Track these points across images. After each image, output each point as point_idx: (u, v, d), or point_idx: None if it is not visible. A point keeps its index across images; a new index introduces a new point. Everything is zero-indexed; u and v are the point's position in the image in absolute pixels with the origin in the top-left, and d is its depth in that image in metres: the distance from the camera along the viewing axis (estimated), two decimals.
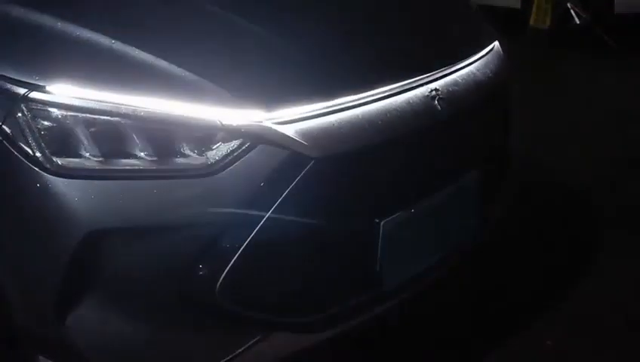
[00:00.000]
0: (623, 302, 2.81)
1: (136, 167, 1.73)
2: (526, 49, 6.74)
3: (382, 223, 1.97)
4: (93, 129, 1.72)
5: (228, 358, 1.86)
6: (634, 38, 6.75)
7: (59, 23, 1.83)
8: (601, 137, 4.52)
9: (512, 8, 7.34)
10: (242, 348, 1.87)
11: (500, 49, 2.49)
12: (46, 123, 1.72)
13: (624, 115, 4.87)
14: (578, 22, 7.05)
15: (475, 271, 2.77)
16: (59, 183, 1.70)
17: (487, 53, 2.37)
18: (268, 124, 1.76)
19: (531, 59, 6.52)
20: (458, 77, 2.18)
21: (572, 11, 7.08)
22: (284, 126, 1.77)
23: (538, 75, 6.04)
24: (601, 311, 2.75)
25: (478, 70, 2.26)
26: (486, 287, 2.89)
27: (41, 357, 1.87)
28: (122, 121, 1.73)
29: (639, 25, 6.82)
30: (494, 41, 2.47)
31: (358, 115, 1.89)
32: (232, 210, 1.75)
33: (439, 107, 2.05)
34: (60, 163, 1.71)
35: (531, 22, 7.14)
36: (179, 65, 1.77)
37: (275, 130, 1.76)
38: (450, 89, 2.11)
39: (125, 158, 1.74)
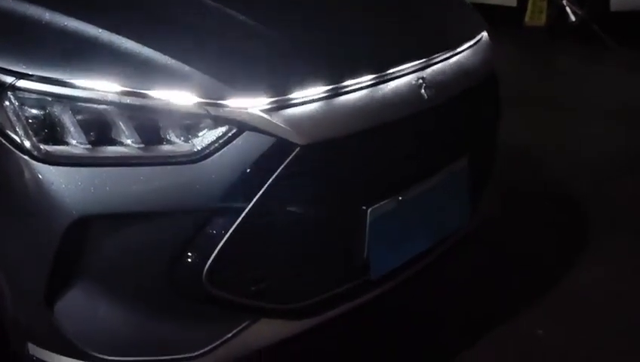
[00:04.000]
0: (613, 291, 2.83)
1: (123, 154, 1.75)
2: (522, 46, 6.77)
3: (369, 210, 1.99)
4: (80, 117, 1.74)
5: (216, 344, 1.87)
6: (630, 35, 6.77)
7: (46, 13, 1.85)
8: (597, 133, 4.53)
9: (508, 6, 7.36)
10: (230, 334, 1.88)
11: (488, 39, 2.50)
12: (33, 111, 1.74)
13: (621, 111, 4.88)
14: (574, 19, 7.07)
15: (463, 260, 2.78)
16: (46, 170, 1.72)
17: (475, 43, 2.38)
18: (254, 110, 1.77)
19: (527, 57, 6.55)
20: (445, 66, 2.19)
21: (568, 9, 7.09)
22: (270, 113, 1.79)
23: (534, 72, 6.07)
24: (592, 300, 2.77)
25: (465, 59, 2.28)
26: (475, 276, 2.90)
27: (30, 345, 1.87)
28: (109, 109, 1.74)
29: (635, 22, 6.83)
30: (483, 30, 2.48)
31: (344, 102, 1.90)
32: (219, 197, 1.76)
33: (426, 95, 2.06)
34: (47, 150, 1.72)
35: (526, 19, 7.16)
36: (165, 53, 1.79)
37: (261, 117, 1.77)
38: (437, 77, 2.12)
39: (112, 146, 1.75)
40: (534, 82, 5.70)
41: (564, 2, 7.08)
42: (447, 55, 2.22)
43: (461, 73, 2.23)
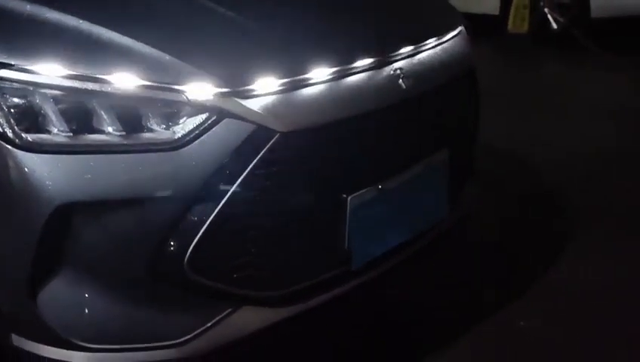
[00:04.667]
0: (595, 286, 2.85)
1: (105, 142, 1.77)
2: (506, 53, 6.85)
3: (349, 198, 2.01)
4: (61, 105, 1.76)
5: (198, 331, 1.89)
6: (611, 41, 6.85)
7: (27, 5, 1.88)
8: (585, 132, 4.59)
9: (491, 15, 7.43)
10: (212, 322, 1.90)
11: (466, 33, 2.54)
12: (15, 100, 1.76)
13: (608, 111, 4.96)
14: (556, 27, 7.15)
15: (445, 253, 2.80)
16: (28, 159, 1.73)
17: (453, 37, 2.42)
18: (233, 98, 1.80)
19: (512, 63, 6.63)
20: (423, 57, 2.23)
21: (549, 16, 7.17)
22: (249, 100, 1.82)
23: (519, 76, 6.13)
24: (575, 293, 2.79)
25: (443, 52, 2.32)
26: (457, 270, 2.93)
27: (14, 336, 1.88)
28: (90, 98, 1.77)
29: (615, 28, 6.91)
30: (460, 25, 2.52)
31: (323, 91, 1.94)
32: (199, 183, 1.79)
33: (403, 85, 2.09)
34: (29, 139, 1.74)
35: (509, 27, 7.23)
36: (145, 43, 1.82)
37: (240, 104, 1.80)
38: (415, 68, 2.16)
39: (93, 134, 1.77)
40: (520, 86, 5.77)
41: (546, 10, 7.17)
42: (425, 47, 2.25)
43: (439, 65, 2.27)
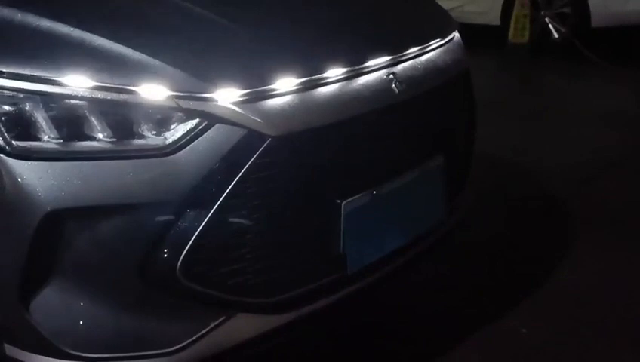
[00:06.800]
0: (595, 291, 2.84)
1: (95, 149, 1.76)
2: (507, 63, 6.87)
3: (343, 203, 2.00)
4: (52, 112, 1.75)
5: (193, 339, 1.87)
6: (611, 50, 6.86)
7: (18, 14, 1.87)
8: (578, 140, 4.59)
9: (492, 25, 7.45)
10: (207, 329, 1.88)
11: (460, 39, 2.54)
12: (5, 107, 1.75)
13: (606, 118, 4.98)
14: (557, 36, 7.16)
15: (444, 259, 2.79)
16: (19, 166, 1.72)
17: (447, 42, 2.41)
18: (224, 103, 1.79)
19: (513, 72, 6.64)
20: (416, 62, 2.22)
21: (550, 26, 7.19)
22: (241, 105, 1.80)
23: (520, 86, 6.16)
24: (575, 299, 2.78)
25: (436, 57, 2.31)
26: (457, 276, 2.91)
27: (7, 346, 1.87)
28: (80, 104, 1.76)
29: (615, 37, 6.93)
30: (454, 30, 2.52)
31: (315, 95, 1.93)
32: (191, 189, 1.77)
33: (396, 90, 2.09)
34: (20, 146, 1.73)
35: (510, 37, 7.24)
36: (135, 49, 1.81)
37: (231, 109, 1.79)
38: (408, 73, 2.15)
39: (84, 140, 1.76)
40: (521, 94, 5.79)
41: (547, 20, 7.18)
42: (418, 52, 2.25)
43: (432, 70, 2.26)
